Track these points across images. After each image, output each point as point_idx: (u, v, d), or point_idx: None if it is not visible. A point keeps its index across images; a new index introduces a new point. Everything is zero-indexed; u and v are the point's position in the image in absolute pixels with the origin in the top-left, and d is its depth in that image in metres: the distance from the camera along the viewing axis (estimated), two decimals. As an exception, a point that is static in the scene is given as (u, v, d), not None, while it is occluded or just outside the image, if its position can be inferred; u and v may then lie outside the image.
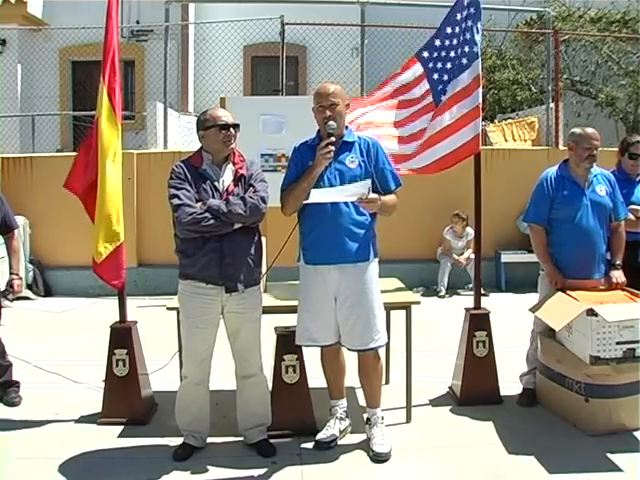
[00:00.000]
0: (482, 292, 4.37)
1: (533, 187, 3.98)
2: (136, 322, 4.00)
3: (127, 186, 5.11)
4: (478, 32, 3.95)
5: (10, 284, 4.08)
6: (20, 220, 6.35)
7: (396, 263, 6.53)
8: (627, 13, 11.34)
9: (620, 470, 3.18)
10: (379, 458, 3.33)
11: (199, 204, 3.16)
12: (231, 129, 3.26)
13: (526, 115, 9.76)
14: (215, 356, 3.39)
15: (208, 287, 3.23)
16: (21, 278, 4.19)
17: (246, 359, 3.39)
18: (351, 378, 3.69)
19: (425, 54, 4.10)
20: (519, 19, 11.95)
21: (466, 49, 3.98)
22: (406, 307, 3.73)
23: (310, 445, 3.47)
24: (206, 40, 10.30)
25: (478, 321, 4.06)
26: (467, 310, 4.16)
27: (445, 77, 4.03)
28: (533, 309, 3.87)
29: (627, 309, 3.48)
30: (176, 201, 3.15)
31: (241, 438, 3.51)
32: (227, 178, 3.29)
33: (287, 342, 3.56)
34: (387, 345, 4.04)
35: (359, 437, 3.54)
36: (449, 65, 4.03)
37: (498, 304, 5.81)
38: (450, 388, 4.26)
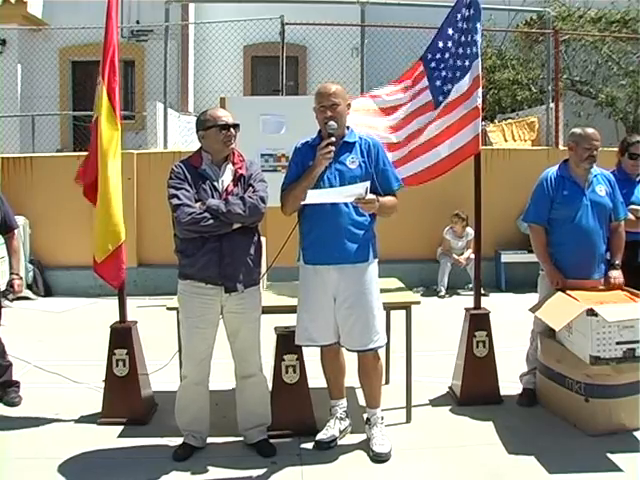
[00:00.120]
0: (482, 292, 4.37)
1: (533, 187, 3.98)
2: (136, 322, 4.00)
3: (127, 186, 5.12)
4: (477, 32, 3.95)
5: (10, 284, 4.08)
6: (20, 220, 6.35)
7: (396, 263, 6.54)
8: (627, 13, 11.35)
9: (620, 470, 3.18)
10: (379, 458, 3.33)
11: (198, 204, 3.16)
12: (231, 129, 3.26)
13: (526, 115, 9.76)
14: (215, 356, 3.39)
15: (207, 287, 3.23)
16: (21, 278, 4.18)
17: (246, 359, 3.39)
18: (351, 378, 3.69)
19: (428, 55, 4.10)
20: (519, 19, 11.95)
21: (467, 51, 3.97)
22: (406, 307, 3.73)
23: (310, 445, 3.47)
24: (206, 40, 10.30)
25: (478, 321, 4.06)
26: (467, 310, 4.16)
27: (444, 74, 4.01)
28: (533, 309, 3.87)
29: (627, 309, 3.48)
30: (175, 201, 3.15)
31: (241, 438, 3.51)
32: (226, 178, 3.29)
33: (287, 342, 3.56)
34: (387, 345, 4.05)
35: (359, 437, 3.54)
36: (449, 64, 4.02)
37: (498, 304, 5.81)
38: (450, 388, 4.26)
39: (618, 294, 3.72)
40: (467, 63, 3.97)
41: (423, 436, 3.63)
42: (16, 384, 4.21)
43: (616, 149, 4.44)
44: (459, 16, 4.02)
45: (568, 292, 3.69)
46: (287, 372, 3.62)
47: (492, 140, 9.11)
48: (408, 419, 3.79)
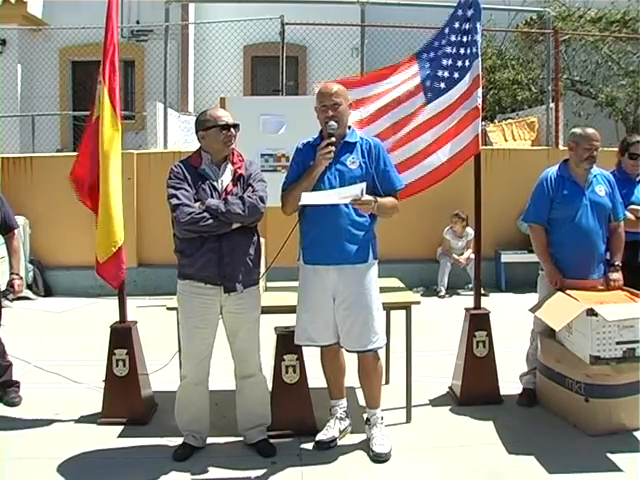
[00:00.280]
0: (482, 292, 4.37)
1: (533, 187, 3.98)
2: (136, 322, 4.00)
3: (127, 186, 5.12)
4: (477, 32, 3.95)
5: (10, 284, 4.08)
6: (20, 220, 6.35)
7: (396, 263, 6.54)
8: (627, 13, 11.34)
9: (620, 470, 3.18)
10: (379, 458, 3.33)
11: (198, 204, 3.16)
12: (231, 129, 3.26)
13: (526, 115, 9.76)
14: (215, 356, 3.39)
15: (207, 287, 3.23)
16: (21, 278, 4.18)
17: (245, 359, 3.39)
18: (351, 378, 3.68)
19: (424, 55, 4.08)
20: (519, 19, 11.95)
21: (468, 51, 3.97)
22: (406, 307, 3.73)
23: (310, 445, 3.47)
24: (206, 40, 10.31)
25: (478, 321, 4.06)
26: (467, 310, 4.16)
27: (439, 73, 3.99)
28: (533, 309, 3.87)
29: (627, 309, 3.48)
30: (175, 201, 3.15)
31: (241, 438, 3.51)
32: (226, 178, 3.28)
33: (287, 342, 3.56)
34: (387, 345, 4.05)
35: (359, 437, 3.54)
36: (449, 63, 4.00)
37: (498, 304, 5.81)
38: (450, 388, 4.26)
39: (618, 294, 3.72)
40: (467, 63, 3.96)
41: (423, 436, 3.63)
42: (16, 384, 4.21)
43: (616, 149, 4.44)
44: (459, 15, 4.01)
45: (568, 292, 3.69)
46: (287, 372, 3.62)
47: (492, 140, 9.11)
48: (408, 419, 3.79)
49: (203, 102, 9.84)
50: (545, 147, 8.66)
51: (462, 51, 3.99)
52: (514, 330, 4.78)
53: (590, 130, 3.87)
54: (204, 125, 3.28)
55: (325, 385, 3.63)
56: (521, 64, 11.61)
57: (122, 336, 3.85)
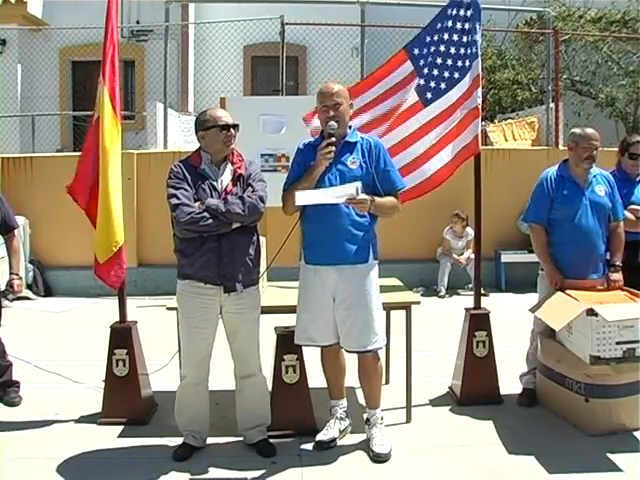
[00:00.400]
0: (482, 292, 4.37)
1: (533, 187, 3.98)
2: (136, 322, 4.00)
3: (127, 186, 5.12)
4: (477, 32, 3.95)
5: (10, 284, 4.08)
6: (20, 220, 6.35)
7: (396, 263, 6.54)
8: (627, 13, 11.34)
9: (620, 470, 3.18)
10: (379, 458, 3.32)
11: (197, 204, 3.16)
12: (231, 129, 3.26)
13: (526, 115, 9.76)
14: (214, 356, 3.39)
15: (206, 287, 3.22)
16: (21, 278, 4.19)
17: (245, 359, 3.38)
18: (351, 378, 3.68)
19: (416, 51, 4.04)
20: (519, 19, 11.95)
21: (468, 51, 3.96)
22: (406, 307, 3.73)
23: (310, 445, 3.47)
24: (206, 40, 10.30)
25: (478, 321, 4.06)
26: (467, 310, 4.16)
27: (436, 73, 3.97)
28: (533, 309, 3.87)
29: (627, 309, 3.48)
30: (174, 200, 3.15)
31: (241, 438, 3.51)
32: (226, 178, 3.28)
33: (287, 342, 3.56)
34: (387, 345, 4.05)
35: (359, 437, 3.54)
36: (448, 63, 3.99)
37: (498, 304, 5.81)
38: (450, 388, 4.26)
39: (618, 294, 3.73)
40: (467, 63, 3.96)
41: (423, 436, 3.63)
42: (16, 384, 4.21)
43: (616, 149, 4.45)
44: (454, 14, 3.99)
45: (568, 292, 3.69)
46: (287, 372, 3.62)
47: (492, 140, 9.11)
48: (408, 419, 3.79)
49: (203, 102, 9.84)
50: (545, 147, 8.66)
51: (462, 51, 3.99)
52: (514, 330, 4.78)
53: (589, 130, 3.87)
54: (204, 125, 3.28)
55: (325, 385, 3.63)
56: (521, 64, 11.61)
57: (122, 336, 3.85)
